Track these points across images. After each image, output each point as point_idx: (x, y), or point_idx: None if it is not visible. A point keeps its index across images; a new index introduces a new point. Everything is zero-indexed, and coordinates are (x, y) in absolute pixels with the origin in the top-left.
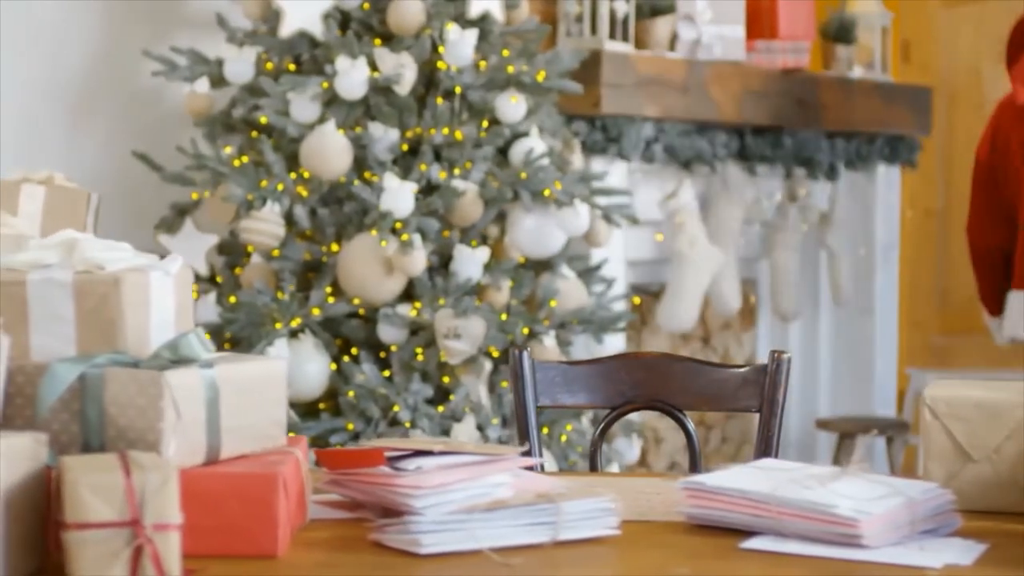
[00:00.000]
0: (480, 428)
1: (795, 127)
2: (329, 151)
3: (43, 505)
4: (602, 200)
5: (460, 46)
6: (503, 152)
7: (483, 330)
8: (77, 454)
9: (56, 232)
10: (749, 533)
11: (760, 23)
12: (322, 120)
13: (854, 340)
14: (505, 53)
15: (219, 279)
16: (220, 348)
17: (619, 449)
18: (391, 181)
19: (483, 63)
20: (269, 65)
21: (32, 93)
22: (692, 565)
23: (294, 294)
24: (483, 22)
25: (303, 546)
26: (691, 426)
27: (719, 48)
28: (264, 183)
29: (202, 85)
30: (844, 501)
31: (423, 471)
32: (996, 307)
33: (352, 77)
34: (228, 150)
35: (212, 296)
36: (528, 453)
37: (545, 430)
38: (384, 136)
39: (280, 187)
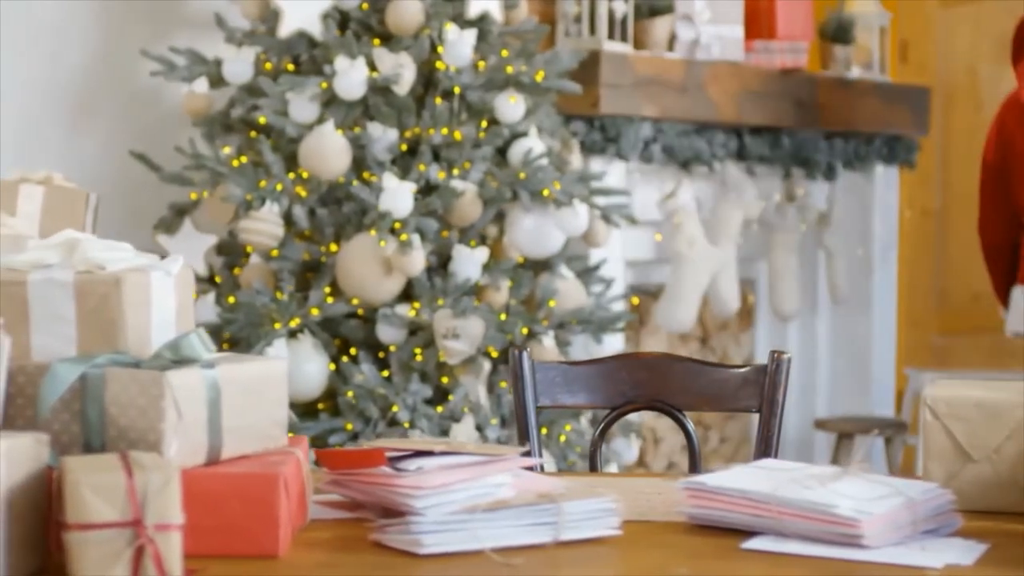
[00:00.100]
0: (479, 428)
1: (793, 127)
2: (328, 151)
3: (44, 505)
4: (601, 200)
5: (459, 46)
6: (502, 152)
7: (482, 330)
8: (78, 454)
9: (55, 232)
10: (750, 533)
11: (758, 23)
12: (321, 120)
13: (852, 340)
14: (504, 53)
15: (218, 279)
16: (219, 349)
17: (617, 449)
18: (390, 181)
19: (482, 63)
20: (268, 65)
21: (31, 93)
22: (693, 565)
23: (293, 294)
24: (482, 22)
25: (304, 546)
26: (691, 426)
27: (717, 48)
28: (263, 183)
29: (201, 85)
30: (845, 501)
31: (424, 471)
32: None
33: (351, 77)
34: (227, 150)
35: (211, 296)
36: (528, 453)
37: (544, 430)
38: (383, 136)
39: (279, 187)
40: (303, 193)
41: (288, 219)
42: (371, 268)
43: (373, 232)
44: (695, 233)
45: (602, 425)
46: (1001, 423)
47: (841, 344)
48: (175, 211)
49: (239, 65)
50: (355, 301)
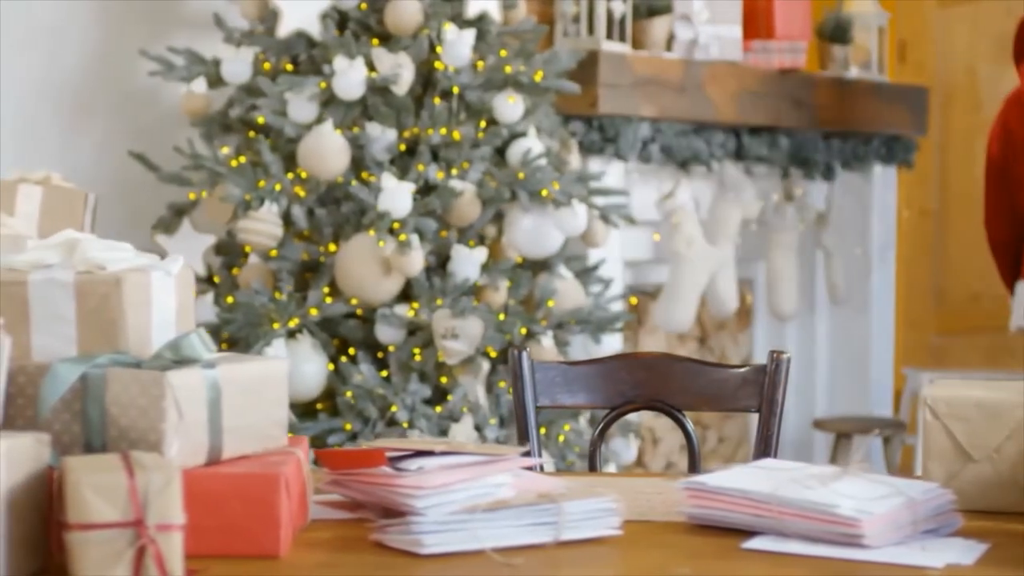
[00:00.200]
0: (478, 428)
1: (792, 127)
2: (327, 151)
3: (45, 506)
4: (599, 200)
5: (457, 46)
6: (501, 152)
7: (481, 330)
8: (79, 455)
9: (53, 232)
10: (750, 533)
11: (757, 23)
12: (320, 120)
13: (850, 340)
14: (502, 53)
15: (216, 279)
16: (217, 349)
17: (616, 449)
18: (389, 181)
19: (480, 63)
20: (266, 65)
21: (29, 93)
22: (693, 565)
23: (292, 294)
24: (480, 22)
25: (305, 546)
26: (690, 426)
27: (716, 48)
28: (262, 183)
29: (199, 85)
30: (845, 501)
31: (425, 471)
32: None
33: (350, 77)
34: (225, 150)
35: (209, 296)
36: (528, 453)
37: (543, 430)
38: (382, 136)
39: (278, 187)
40: (302, 193)
41: (287, 219)
42: (370, 268)
43: (372, 232)
44: (693, 233)
45: (601, 425)
46: (1001, 423)
47: (839, 344)
48: (173, 211)
49: (238, 65)
50: (354, 301)
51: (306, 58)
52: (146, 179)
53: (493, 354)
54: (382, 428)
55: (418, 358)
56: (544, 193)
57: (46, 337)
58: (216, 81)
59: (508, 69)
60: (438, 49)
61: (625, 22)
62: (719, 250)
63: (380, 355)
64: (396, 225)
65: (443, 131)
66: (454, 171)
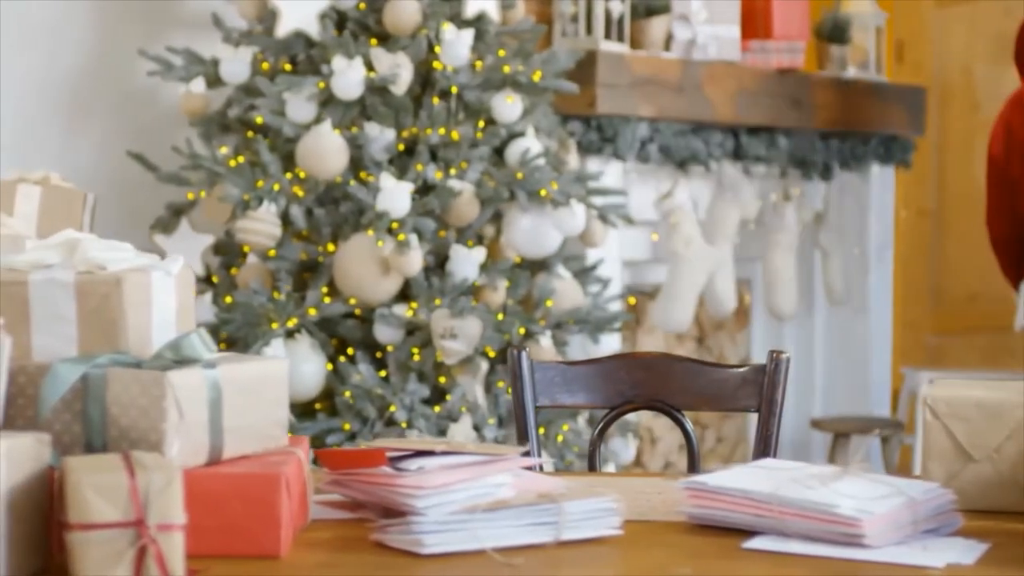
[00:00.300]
0: (476, 428)
1: (790, 127)
2: (325, 151)
3: (46, 506)
4: (598, 200)
5: (456, 46)
6: (499, 152)
7: (479, 330)
8: (79, 455)
9: (52, 232)
10: (751, 533)
11: (755, 23)
12: (318, 120)
13: (848, 340)
14: (501, 53)
15: (215, 279)
16: (216, 349)
17: (615, 449)
18: (387, 181)
19: (479, 63)
20: (265, 65)
21: (28, 93)
22: (694, 565)
23: (290, 294)
24: (479, 22)
25: (305, 546)
26: (690, 426)
27: (714, 48)
28: (260, 183)
29: (198, 85)
30: (846, 501)
31: (425, 471)
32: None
33: (348, 77)
34: (224, 150)
35: (208, 296)
36: (528, 454)
37: (541, 430)
38: (380, 136)
39: (276, 187)
40: (300, 193)
41: (285, 219)
42: (368, 268)
43: (370, 232)
44: (692, 233)
45: (601, 425)
46: (1002, 423)
47: (837, 344)
48: (172, 211)
49: (236, 65)
50: (352, 301)
51: (305, 58)
52: (145, 179)
53: (492, 354)
54: (381, 428)
55: (417, 358)
56: (542, 193)
57: (47, 337)
58: (215, 81)
59: (506, 69)
60: (436, 49)
61: (623, 22)
62: (717, 250)
63: (379, 355)
64: (395, 225)
65: (441, 131)
66: (452, 171)
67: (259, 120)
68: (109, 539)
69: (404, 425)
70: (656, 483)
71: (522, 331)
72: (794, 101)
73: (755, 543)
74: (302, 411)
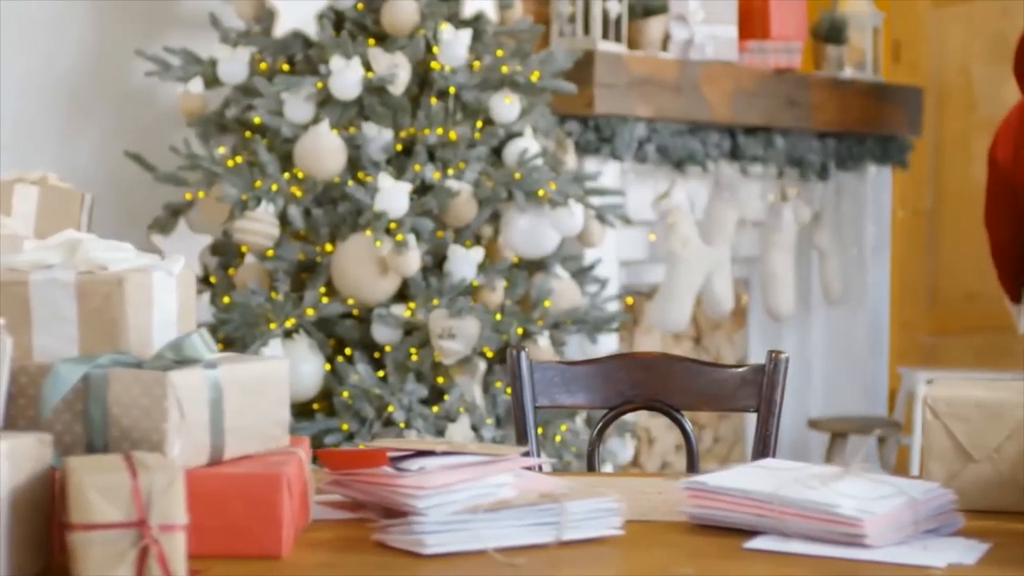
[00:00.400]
0: (475, 428)
1: (787, 127)
2: (323, 151)
3: (47, 506)
4: (595, 200)
5: (454, 46)
6: (497, 152)
7: (477, 330)
8: (81, 455)
9: (50, 232)
10: (752, 533)
11: (752, 23)
12: (316, 120)
13: (845, 340)
14: (499, 53)
15: (213, 279)
16: None
17: (613, 449)
18: (385, 181)
19: (477, 63)
20: (263, 65)
21: (26, 93)
22: (695, 565)
23: (288, 294)
24: (477, 22)
25: (306, 546)
26: (689, 426)
27: (711, 48)
28: (258, 183)
29: (196, 85)
30: (847, 501)
31: (426, 471)
32: (1016, 295)
33: (346, 77)
34: (222, 150)
35: (206, 296)
36: (527, 454)
37: (540, 430)
38: (378, 136)
39: (274, 187)
40: (298, 193)
41: (283, 219)
42: (366, 268)
43: (368, 232)
44: (689, 233)
45: (600, 425)
46: (1002, 423)
47: (834, 344)
48: (170, 211)
49: (234, 65)
50: (350, 301)
51: (302, 58)
52: (142, 179)
53: (490, 354)
54: (379, 428)
55: (415, 358)
56: (540, 193)
57: (48, 337)
58: (212, 81)
59: (504, 69)
60: (434, 49)
61: (621, 22)
62: (715, 250)
63: (377, 355)
64: (393, 225)
65: (439, 131)
66: (450, 171)
67: (257, 120)
68: (111, 539)
69: (402, 425)
70: (657, 483)
71: (520, 331)
72: (791, 101)
73: (756, 543)
74: (300, 411)
